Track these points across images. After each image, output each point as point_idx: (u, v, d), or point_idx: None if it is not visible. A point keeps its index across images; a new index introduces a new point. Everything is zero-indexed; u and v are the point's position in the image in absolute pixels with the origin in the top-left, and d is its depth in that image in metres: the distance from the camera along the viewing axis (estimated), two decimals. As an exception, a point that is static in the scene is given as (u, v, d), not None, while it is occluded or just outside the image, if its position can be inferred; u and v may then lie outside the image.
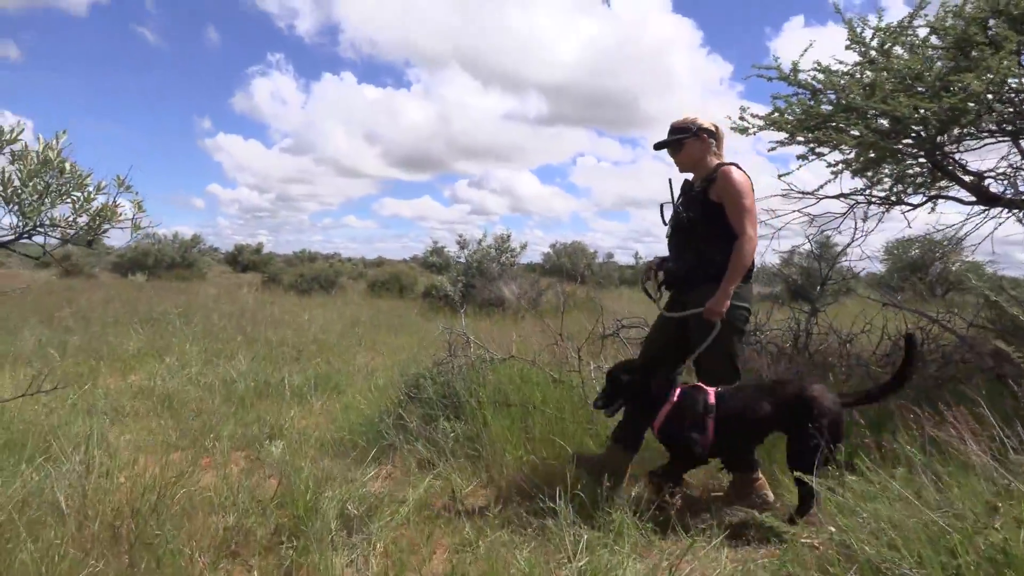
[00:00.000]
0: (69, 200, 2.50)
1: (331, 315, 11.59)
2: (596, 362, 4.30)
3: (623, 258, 51.33)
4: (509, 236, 14.83)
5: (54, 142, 2.44)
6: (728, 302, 3.11)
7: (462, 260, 14.33)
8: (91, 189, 2.55)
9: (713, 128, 3.37)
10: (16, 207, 2.43)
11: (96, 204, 2.57)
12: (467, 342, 4.54)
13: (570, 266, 26.03)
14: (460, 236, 15.02)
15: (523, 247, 14.98)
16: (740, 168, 3.25)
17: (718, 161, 3.35)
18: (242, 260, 37.99)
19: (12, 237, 2.48)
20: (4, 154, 2.40)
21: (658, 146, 3.46)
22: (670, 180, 3.52)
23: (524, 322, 10.45)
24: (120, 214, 2.60)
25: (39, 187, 2.38)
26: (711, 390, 3.08)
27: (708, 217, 3.22)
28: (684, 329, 3.30)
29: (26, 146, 2.42)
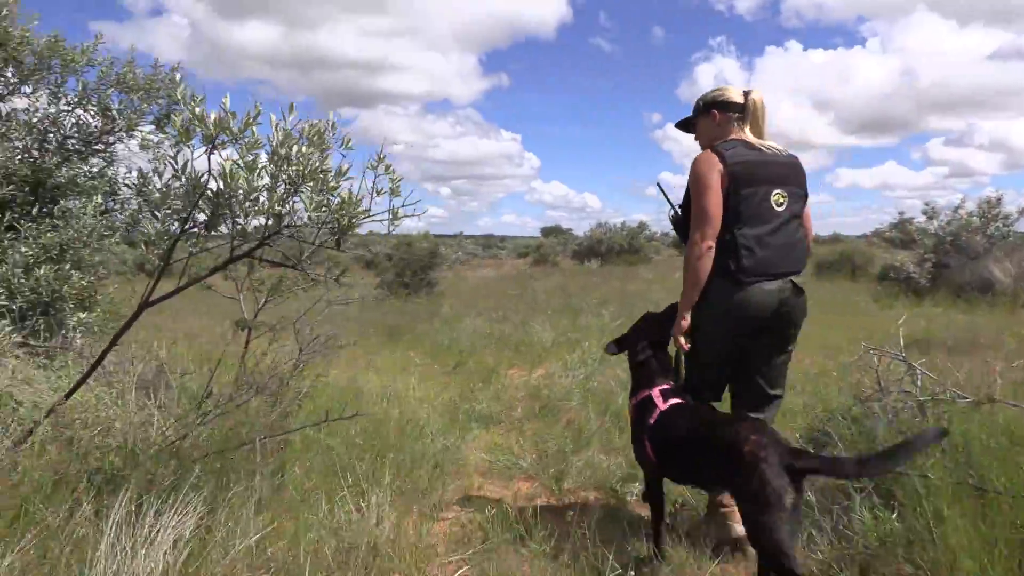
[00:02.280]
0: (301, 195, 1.98)
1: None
2: None
3: None
4: (999, 199, 11.18)
5: (283, 122, 1.94)
6: (684, 323, 2.58)
7: (932, 233, 11.28)
8: (331, 175, 1.99)
9: (736, 99, 2.64)
10: (251, 208, 1.99)
11: (336, 199, 2.00)
12: (909, 371, 2.88)
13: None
14: (927, 205, 11.90)
15: (1022, 212, 11.13)
16: (717, 151, 2.51)
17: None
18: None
19: (255, 245, 2.07)
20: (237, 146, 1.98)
21: (679, 126, 2.91)
22: (658, 183, 3.10)
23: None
24: (363, 207, 1.99)
25: (252, 183, 1.90)
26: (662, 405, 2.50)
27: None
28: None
29: (257, 136, 1.96)
